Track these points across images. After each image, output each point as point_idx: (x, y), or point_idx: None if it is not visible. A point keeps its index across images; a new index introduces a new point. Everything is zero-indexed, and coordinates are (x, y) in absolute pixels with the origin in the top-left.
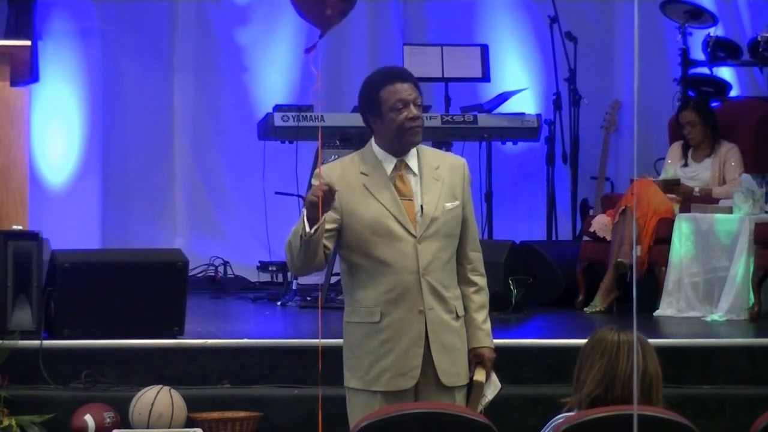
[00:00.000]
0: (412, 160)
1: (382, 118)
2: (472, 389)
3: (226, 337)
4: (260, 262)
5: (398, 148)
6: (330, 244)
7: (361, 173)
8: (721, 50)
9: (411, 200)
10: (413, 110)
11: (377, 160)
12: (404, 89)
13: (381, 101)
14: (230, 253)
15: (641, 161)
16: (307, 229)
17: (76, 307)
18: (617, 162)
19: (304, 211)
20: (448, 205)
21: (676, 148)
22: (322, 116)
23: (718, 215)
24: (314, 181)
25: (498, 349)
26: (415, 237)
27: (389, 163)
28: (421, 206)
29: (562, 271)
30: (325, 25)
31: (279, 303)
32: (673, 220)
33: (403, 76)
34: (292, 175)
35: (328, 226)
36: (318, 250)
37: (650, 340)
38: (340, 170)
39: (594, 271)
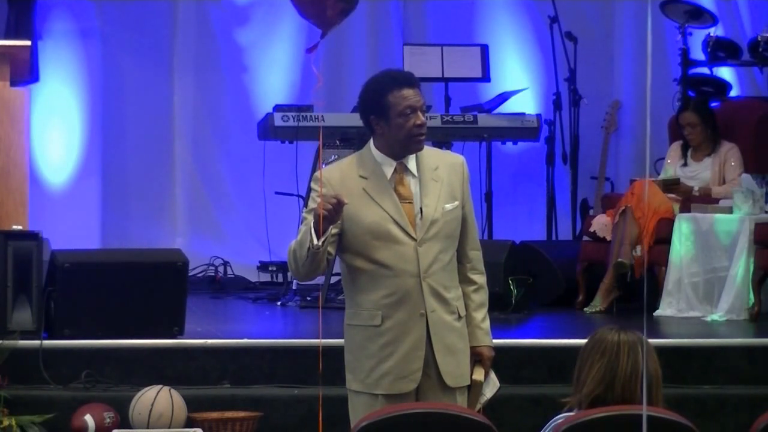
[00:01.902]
0: (410, 161)
1: (389, 122)
2: (471, 388)
3: (226, 337)
4: (260, 262)
5: (400, 152)
6: (332, 250)
7: (360, 176)
8: (721, 50)
9: (411, 203)
10: (421, 117)
11: (376, 162)
12: (412, 95)
13: (389, 105)
14: (230, 253)
15: (641, 161)
16: (315, 241)
17: (76, 307)
18: (617, 162)
19: (310, 222)
20: (448, 206)
21: (676, 147)
22: (322, 116)
23: (718, 215)
24: (314, 185)
25: (498, 349)
26: (415, 240)
27: (388, 166)
28: (421, 209)
29: (562, 271)
30: (326, 25)
31: (279, 303)
32: (673, 220)
33: (411, 81)
34: (292, 175)
35: (331, 232)
36: (323, 259)
37: (650, 340)
38: (339, 174)
39: (594, 271)
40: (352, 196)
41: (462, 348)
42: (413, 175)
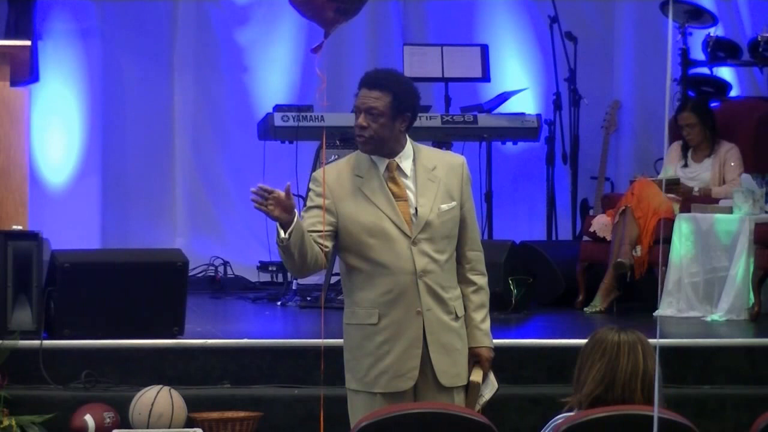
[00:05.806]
0: (406, 161)
1: None
2: (470, 389)
3: (226, 337)
4: (260, 262)
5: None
6: (328, 243)
7: (356, 176)
8: (721, 50)
9: (405, 201)
10: (360, 119)
11: (371, 161)
12: (363, 96)
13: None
14: (230, 253)
15: (641, 161)
16: (282, 234)
17: (76, 307)
18: (617, 162)
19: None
20: (444, 206)
21: (676, 147)
22: (322, 116)
23: (718, 215)
24: (312, 185)
25: (498, 349)
26: (409, 238)
27: (382, 165)
28: (416, 209)
29: (562, 271)
30: (328, 24)
31: (279, 303)
32: (673, 220)
33: (369, 82)
34: (292, 175)
35: (323, 228)
36: (305, 251)
37: (650, 340)
38: (336, 173)
39: (594, 271)
40: (347, 195)
41: (459, 348)
42: (405, 174)
